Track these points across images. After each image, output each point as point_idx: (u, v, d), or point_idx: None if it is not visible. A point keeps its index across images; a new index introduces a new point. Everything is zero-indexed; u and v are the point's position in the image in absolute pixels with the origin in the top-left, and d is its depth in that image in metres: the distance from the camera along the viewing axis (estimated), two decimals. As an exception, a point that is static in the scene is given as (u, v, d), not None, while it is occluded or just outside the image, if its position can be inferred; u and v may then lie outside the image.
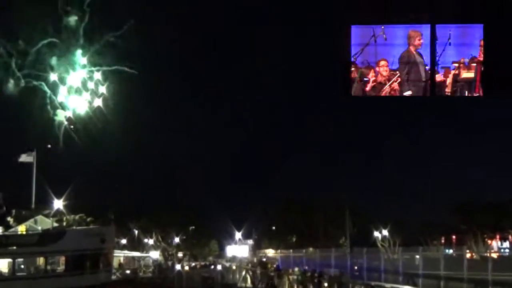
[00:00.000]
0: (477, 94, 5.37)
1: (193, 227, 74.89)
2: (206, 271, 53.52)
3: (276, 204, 71.21)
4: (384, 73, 5.46)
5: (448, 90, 5.42)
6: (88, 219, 53.74)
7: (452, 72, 5.43)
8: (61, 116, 28.47)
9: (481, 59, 5.17)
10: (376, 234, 55.41)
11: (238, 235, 73.77)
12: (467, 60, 5.41)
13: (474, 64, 5.35)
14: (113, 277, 43.63)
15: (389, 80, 5.44)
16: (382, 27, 5.27)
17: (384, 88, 5.51)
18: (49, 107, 29.51)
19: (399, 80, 5.43)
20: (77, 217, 52.96)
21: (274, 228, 73.26)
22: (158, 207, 72.36)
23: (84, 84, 31.30)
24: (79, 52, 30.83)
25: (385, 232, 54.55)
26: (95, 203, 58.97)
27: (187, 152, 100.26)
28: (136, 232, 70.46)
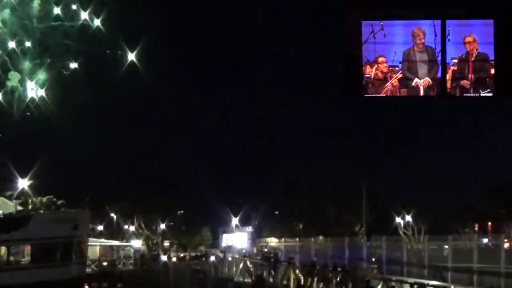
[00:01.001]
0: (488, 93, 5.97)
1: (182, 211, 75.31)
2: (197, 263, 53.85)
3: (280, 185, 71.35)
4: (384, 70, 6.15)
5: (448, 86, 6.24)
6: (58, 202, 53.65)
7: (452, 68, 6.20)
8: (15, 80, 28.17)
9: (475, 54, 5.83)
10: (398, 220, 55.57)
11: (235, 221, 73.82)
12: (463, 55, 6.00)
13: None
14: (88, 270, 44.08)
15: (390, 78, 6.19)
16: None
17: (386, 85, 6.21)
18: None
19: (400, 76, 6.14)
20: (45, 199, 52.96)
21: (277, 213, 73.31)
22: (140, 188, 72.40)
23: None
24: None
25: (408, 218, 54.71)
26: (66, 183, 59.52)
27: (175, 126, 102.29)
28: (115, 217, 70.77)
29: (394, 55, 6.14)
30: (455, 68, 6.14)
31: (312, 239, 55.80)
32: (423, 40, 6.20)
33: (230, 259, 47.16)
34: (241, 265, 41.79)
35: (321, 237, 56.59)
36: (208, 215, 78.78)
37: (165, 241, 76.23)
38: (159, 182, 73.92)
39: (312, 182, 67.26)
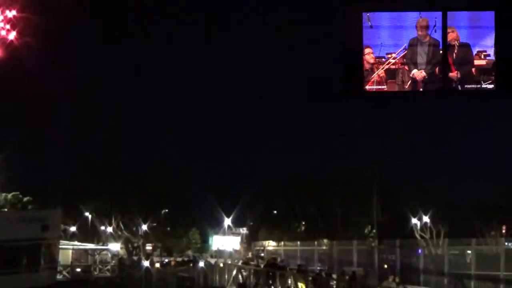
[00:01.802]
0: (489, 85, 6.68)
1: (166, 210, 75.56)
2: (183, 269, 53.85)
3: (278, 180, 71.33)
4: (371, 61, 6.68)
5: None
6: (25, 199, 53.61)
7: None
8: None
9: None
10: (414, 221, 55.64)
11: (227, 221, 73.84)
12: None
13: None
14: (59, 277, 44.03)
15: (377, 68, 6.70)
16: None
17: (372, 76, 6.72)
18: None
19: (387, 67, 6.70)
20: (9, 196, 52.82)
21: (275, 212, 73.53)
22: (119, 184, 73.12)
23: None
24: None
25: (425, 219, 54.78)
26: (34, 178, 59.97)
27: (159, 114, 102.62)
28: (90, 216, 70.79)
29: (381, 46, 6.69)
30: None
31: (316, 243, 55.83)
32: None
33: (221, 265, 47.15)
34: (234, 272, 41.75)
35: (325, 240, 56.86)
36: (197, 214, 78.90)
37: (147, 244, 76.33)
38: (140, 177, 74.11)
39: (315, 178, 67.26)
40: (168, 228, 79.52)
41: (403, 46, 6.75)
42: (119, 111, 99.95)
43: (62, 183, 56.95)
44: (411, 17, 6.72)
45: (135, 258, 65.47)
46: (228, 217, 73.81)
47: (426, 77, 6.73)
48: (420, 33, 6.72)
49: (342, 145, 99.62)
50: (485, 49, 6.71)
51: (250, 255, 69.21)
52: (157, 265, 57.91)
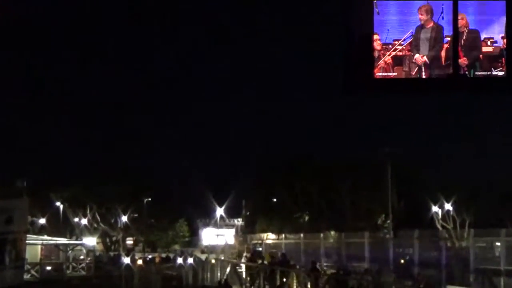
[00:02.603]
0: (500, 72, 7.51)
1: (149, 199, 75.82)
2: (169, 267, 54.13)
3: (279, 164, 71.42)
4: (378, 47, 7.57)
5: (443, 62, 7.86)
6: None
7: (445, 46, 7.74)
8: None
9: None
10: (435, 209, 55.82)
11: (219, 211, 73.93)
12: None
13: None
14: (27, 276, 44.14)
15: (383, 55, 7.56)
16: (375, 1, 7.46)
17: (379, 63, 7.54)
18: None
19: (394, 54, 7.58)
20: (-33, 184, 52.70)
21: (275, 200, 73.66)
22: (95, 170, 73.78)
23: None
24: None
25: (448, 207, 54.94)
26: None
27: (140, 94, 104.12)
28: (62, 207, 70.86)
29: (388, 32, 7.57)
30: (448, 46, 7.66)
31: (322, 235, 55.59)
32: (429, 17, 7.63)
33: (213, 261, 47.28)
34: (227, 270, 41.84)
35: (332, 232, 56.99)
36: (184, 203, 79.19)
37: (128, 239, 77.04)
38: (119, 161, 74.83)
39: (321, 160, 67.37)
40: (152, 220, 79.71)
41: (410, 32, 7.55)
42: (95, 88, 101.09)
43: (29, 168, 56.92)
44: (419, 5, 7.55)
45: (113, 254, 65.60)
46: (220, 206, 73.83)
47: (428, 62, 7.53)
48: (422, 17, 7.52)
49: (352, 128, 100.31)
50: (493, 35, 7.51)
51: (245, 249, 69.51)
52: (140, 262, 58.02)
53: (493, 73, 7.53)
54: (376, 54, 7.55)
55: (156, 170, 78.66)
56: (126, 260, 54.91)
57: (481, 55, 7.52)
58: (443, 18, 7.55)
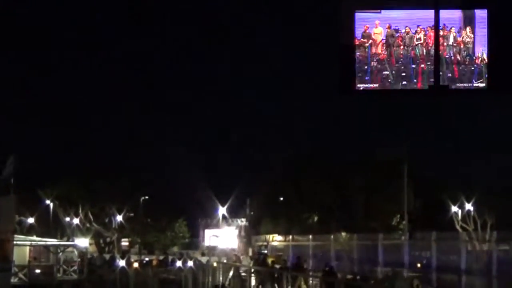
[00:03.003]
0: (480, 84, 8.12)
1: (146, 197, 75.74)
2: (168, 270, 54.09)
3: (287, 160, 71.45)
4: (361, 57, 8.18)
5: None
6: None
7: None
8: None
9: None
10: (454, 209, 55.65)
11: (221, 211, 74.08)
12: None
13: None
14: (14, 280, 44.10)
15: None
16: (356, 12, 8.08)
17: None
18: None
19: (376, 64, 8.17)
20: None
21: (281, 199, 73.61)
22: (88, 166, 73.74)
23: None
24: None
25: (468, 206, 54.77)
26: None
27: (137, 89, 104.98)
28: (52, 205, 70.87)
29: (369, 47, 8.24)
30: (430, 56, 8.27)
31: (332, 237, 56.18)
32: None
33: (215, 264, 47.26)
34: (230, 274, 41.81)
35: (343, 234, 56.96)
36: (184, 202, 79.38)
37: (123, 240, 77.42)
38: (114, 156, 74.93)
39: (332, 156, 67.31)
40: (149, 220, 79.75)
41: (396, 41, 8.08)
42: (86, 81, 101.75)
43: (16, 163, 57.11)
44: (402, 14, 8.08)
45: (107, 256, 65.52)
46: (223, 205, 73.90)
47: (410, 73, 8.08)
48: (408, 30, 8.06)
49: (365, 123, 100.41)
50: (477, 47, 8.01)
51: (250, 252, 69.50)
52: (135, 265, 58.01)
53: (474, 84, 8.00)
54: (359, 64, 8.03)
55: (153, 167, 78.43)
56: (121, 262, 54.98)
57: (462, 66, 8.01)
58: (428, 28, 8.03)
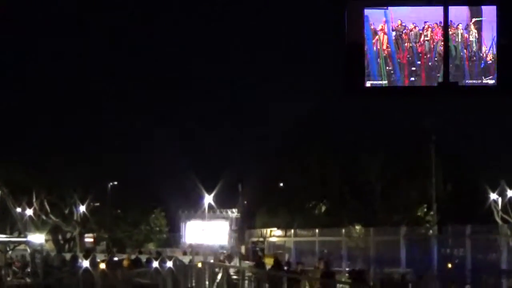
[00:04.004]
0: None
1: (115, 183, 76.53)
2: (142, 272, 54.00)
3: (289, 137, 71.26)
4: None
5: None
6: None
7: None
8: None
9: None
10: (493, 196, 55.73)
11: (208, 199, 74.28)
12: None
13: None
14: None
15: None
16: (365, 9, 9.11)
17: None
18: None
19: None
20: None
21: (281, 185, 74.08)
22: (43, 144, 74.23)
23: None
24: None
25: (511, 194, 54.95)
26: None
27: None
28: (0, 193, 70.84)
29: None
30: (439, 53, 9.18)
31: (343, 231, 56.55)
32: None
33: (199, 265, 47.28)
34: (218, 277, 41.82)
35: (357, 227, 57.88)
36: (162, 189, 78.49)
37: (87, 235, 77.57)
38: (76, 133, 76.11)
39: (343, 134, 67.21)
40: (118, 211, 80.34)
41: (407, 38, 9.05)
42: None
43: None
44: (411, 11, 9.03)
45: (67, 255, 65.37)
46: (209, 193, 74.20)
47: (418, 70, 9.04)
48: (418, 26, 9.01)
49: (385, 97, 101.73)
50: (486, 43, 8.93)
51: (243, 249, 69.59)
52: (102, 266, 57.88)
53: (483, 81, 8.96)
54: (367, 62, 8.99)
55: (124, 146, 78.14)
56: (85, 263, 54.14)
57: (471, 63, 8.95)
58: (436, 25, 9.01)
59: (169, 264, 52.19)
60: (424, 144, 56.23)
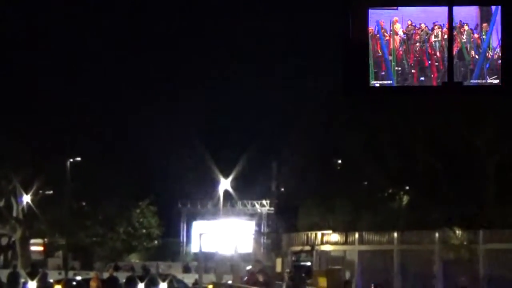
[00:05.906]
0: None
1: (78, 159, 76.20)
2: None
3: (338, 92, 69.29)
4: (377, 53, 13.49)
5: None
6: None
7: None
8: None
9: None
10: None
11: (223, 185, 73.67)
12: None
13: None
14: None
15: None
16: (370, 9, 13.37)
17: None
18: None
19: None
20: None
21: (340, 163, 74.25)
22: None
23: None
24: None
25: None
26: None
27: None
28: None
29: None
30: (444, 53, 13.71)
31: (437, 235, 59.25)
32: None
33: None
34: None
35: (458, 231, 59.61)
36: (151, 170, 79.81)
37: (33, 241, 78.89)
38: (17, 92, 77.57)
39: (440, 91, 65.61)
40: (83, 203, 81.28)
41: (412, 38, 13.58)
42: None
43: None
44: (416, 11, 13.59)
45: (3, 272, 64.73)
46: (226, 177, 74.82)
47: (423, 69, 13.53)
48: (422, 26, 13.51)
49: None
50: (491, 44, 13.18)
51: (278, 264, 69.29)
52: (58, 288, 57.54)
53: (487, 81, 13.16)
54: (375, 61, 13.26)
55: (95, 104, 78.73)
56: (30, 285, 54.46)
57: (476, 63, 13.14)
58: (441, 25, 13.35)
59: (163, 287, 50.95)
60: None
